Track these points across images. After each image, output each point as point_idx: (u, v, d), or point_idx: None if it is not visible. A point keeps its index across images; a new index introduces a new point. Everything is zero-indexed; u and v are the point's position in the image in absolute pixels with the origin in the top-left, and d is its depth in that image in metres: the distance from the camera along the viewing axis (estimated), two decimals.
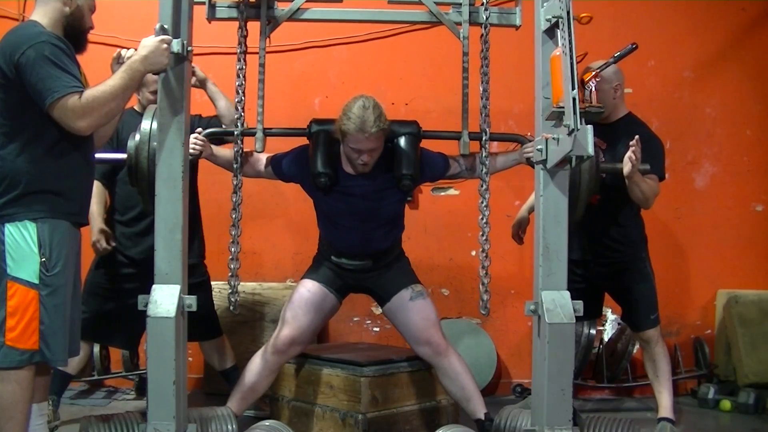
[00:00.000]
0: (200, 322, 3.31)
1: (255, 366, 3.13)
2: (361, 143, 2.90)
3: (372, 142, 2.91)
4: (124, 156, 2.91)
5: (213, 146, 3.14)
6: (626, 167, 3.09)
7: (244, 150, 3.07)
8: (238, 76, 3.02)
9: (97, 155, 2.84)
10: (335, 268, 3.20)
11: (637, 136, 3.07)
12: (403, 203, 3.27)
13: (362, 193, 3.08)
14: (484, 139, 3.02)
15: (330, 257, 3.20)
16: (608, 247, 3.45)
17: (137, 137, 2.87)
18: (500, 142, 3.49)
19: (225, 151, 3.14)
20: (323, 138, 3.05)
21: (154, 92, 3.18)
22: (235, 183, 3.03)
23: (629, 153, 3.06)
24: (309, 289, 3.18)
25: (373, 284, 3.23)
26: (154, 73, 2.59)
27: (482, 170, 3.02)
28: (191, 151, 2.91)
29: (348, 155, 3.01)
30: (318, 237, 3.32)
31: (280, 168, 3.16)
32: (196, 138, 3.01)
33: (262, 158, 3.17)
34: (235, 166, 3.03)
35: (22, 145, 2.51)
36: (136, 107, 3.63)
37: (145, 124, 2.86)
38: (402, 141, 3.06)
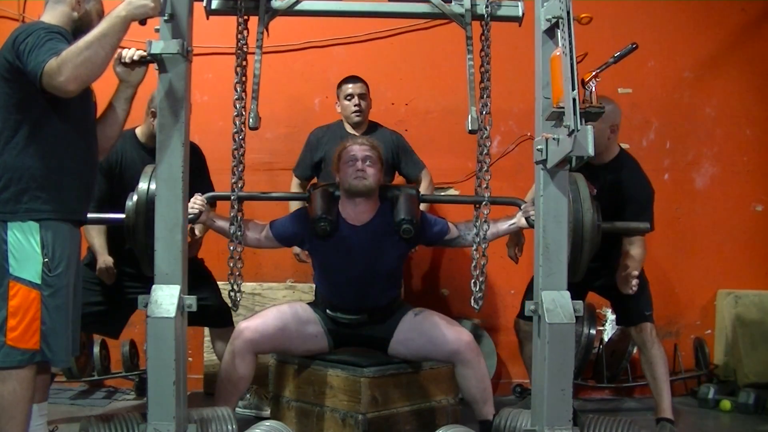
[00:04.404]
0: (213, 311, 3.50)
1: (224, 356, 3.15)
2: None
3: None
4: (122, 216, 2.90)
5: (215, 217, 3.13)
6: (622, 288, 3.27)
7: (244, 218, 3.05)
8: (237, 73, 2.97)
9: (94, 216, 2.86)
10: (330, 322, 3.21)
11: (636, 279, 3.24)
12: (402, 260, 3.28)
13: (361, 244, 3.09)
14: (484, 136, 2.98)
15: (325, 310, 3.21)
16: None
17: (135, 198, 2.86)
18: (500, 205, 3.27)
19: (223, 222, 3.09)
20: (322, 191, 3.14)
21: (154, 114, 3.19)
22: (233, 181, 3.01)
23: (627, 287, 3.24)
24: (304, 310, 3.21)
25: (371, 331, 3.20)
26: (140, 22, 2.47)
27: (480, 184, 2.98)
28: (191, 211, 2.91)
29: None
30: (314, 289, 3.35)
31: (280, 228, 3.18)
32: (196, 199, 2.98)
33: (261, 225, 3.19)
34: (233, 163, 2.97)
35: (24, 143, 2.50)
36: (137, 132, 3.56)
37: (143, 185, 2.86)
38: (401, 196, 3.15)
